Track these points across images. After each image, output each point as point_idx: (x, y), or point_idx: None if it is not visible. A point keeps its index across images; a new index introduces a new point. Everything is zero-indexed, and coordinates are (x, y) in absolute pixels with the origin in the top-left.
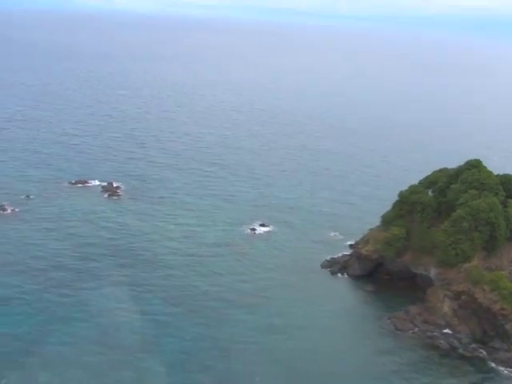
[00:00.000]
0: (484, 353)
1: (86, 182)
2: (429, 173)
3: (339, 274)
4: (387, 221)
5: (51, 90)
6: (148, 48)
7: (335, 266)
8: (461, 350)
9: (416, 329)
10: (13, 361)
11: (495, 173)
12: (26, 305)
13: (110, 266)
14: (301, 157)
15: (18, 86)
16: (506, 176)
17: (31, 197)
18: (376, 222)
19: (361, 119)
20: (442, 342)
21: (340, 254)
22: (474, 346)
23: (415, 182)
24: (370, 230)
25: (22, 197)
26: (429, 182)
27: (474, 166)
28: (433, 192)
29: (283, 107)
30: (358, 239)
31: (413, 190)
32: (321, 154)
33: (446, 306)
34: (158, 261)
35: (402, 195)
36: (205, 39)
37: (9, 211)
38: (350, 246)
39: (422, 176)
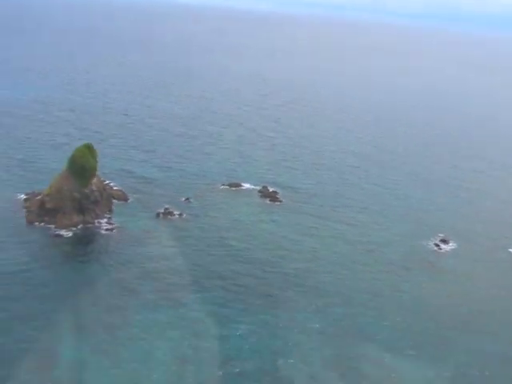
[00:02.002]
0: None
1: (240, 186)
2: None
3: None
4: None
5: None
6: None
7: None
8: None
9: None
10: None
11: None
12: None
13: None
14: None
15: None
16: None
17: (191, 199)
18: None
19: None
20: None
21: None
22: None
23: None
24: None
25: (182, 199)
26: None
27: None
28: None
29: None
30: None
31: None
32: None
33: None
34: (347, 288)
35: None
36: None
37: (176, 216)
38: None
39: None
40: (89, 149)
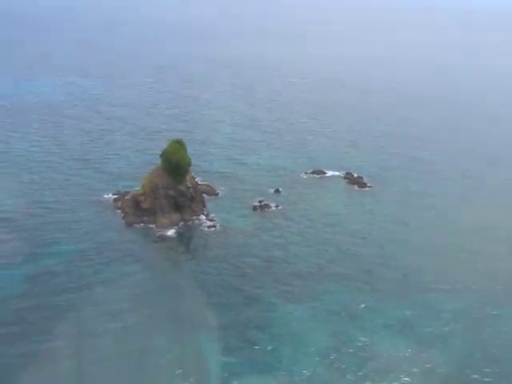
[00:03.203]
0: None
1: (323, 173)
2: None
3: None
4: None
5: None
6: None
7: None
8: None
9: None
10: None
11: None
12: None
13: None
14: None
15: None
16: None
17: (280, 190)
18: None
19: None
20: None
21: None
22: None
23: None
24: None
25: (271, 191)
26: None
27: None
28: None
29: None
30: None
31: None
32: None
33: None
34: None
35: None
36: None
37: (273, 208)
38: None
39: None
40: (180, 144)
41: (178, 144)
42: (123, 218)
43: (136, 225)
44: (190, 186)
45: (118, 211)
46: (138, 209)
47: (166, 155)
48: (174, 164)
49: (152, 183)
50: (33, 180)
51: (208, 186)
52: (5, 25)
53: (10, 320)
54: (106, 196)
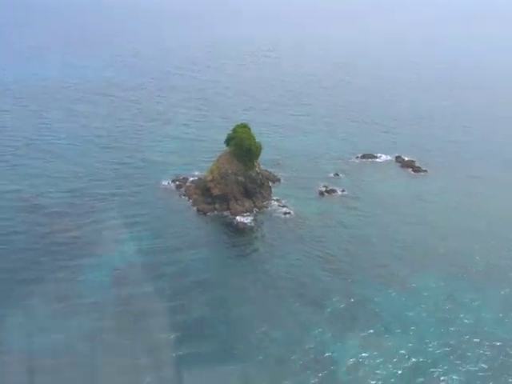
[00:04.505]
0: None
1: (374, 157)
2: None
3: None
4: None
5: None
6: None
7: None
8: None
9: None
10: None
11: None
12: None
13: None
14: None
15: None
16: None
17: (340, 175)
18: None
19: None
20: None
21: None
22: None
23: None
24: None
25: (331, 175)
26: None
27: None
28: None
29: None
30: None
31: None
32: None
33: None
34: None
35: None
36: None
37: (339, 193)
38: None
39: None
40: (248, 129)
41: (247, 129)
42: (193, 204)
43: (209, 213)
44: (259, 171)
45: (184, 197)
46: (208, 195)
47: (237, 140)
48: (246, 149)
49: (221, 169)
50: (83, 169)
51: (268, 172)
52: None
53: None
54: (164, 183)
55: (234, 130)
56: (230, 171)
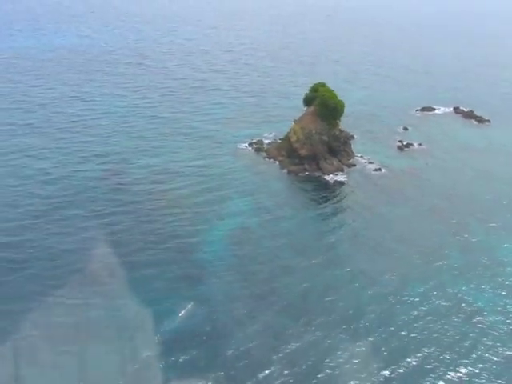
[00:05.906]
0: None
1: (433, 109)
2: None
3: None
4: None
5: None
6: None
7: None
8: None
9: None
10: None
11: None
12: None
13: None
14: None
15: None
16: None
17: (409, 129)
18: None
19: None
20: None
21: None
22: None
23: None
24: None
25: (400, 129)
26: None
27: None
28: None
29: None
30: None
31: None
32: None
33: None
34: None
35: None
36: None
37: (416, 146)
38: None
39: None
40: (328, 87)
41: (328, 87)
42: (281, 167)
43: (301, 173)
44: (342, 129)
45: (269, 160)
46: (295, 156)
47: (321, 99)
48: (332, 108)
49: (305, 129)
50: (153, 141)
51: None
52: None
53: None
54: (239, 147)
55: (315, 89)
56: (314, 131)
